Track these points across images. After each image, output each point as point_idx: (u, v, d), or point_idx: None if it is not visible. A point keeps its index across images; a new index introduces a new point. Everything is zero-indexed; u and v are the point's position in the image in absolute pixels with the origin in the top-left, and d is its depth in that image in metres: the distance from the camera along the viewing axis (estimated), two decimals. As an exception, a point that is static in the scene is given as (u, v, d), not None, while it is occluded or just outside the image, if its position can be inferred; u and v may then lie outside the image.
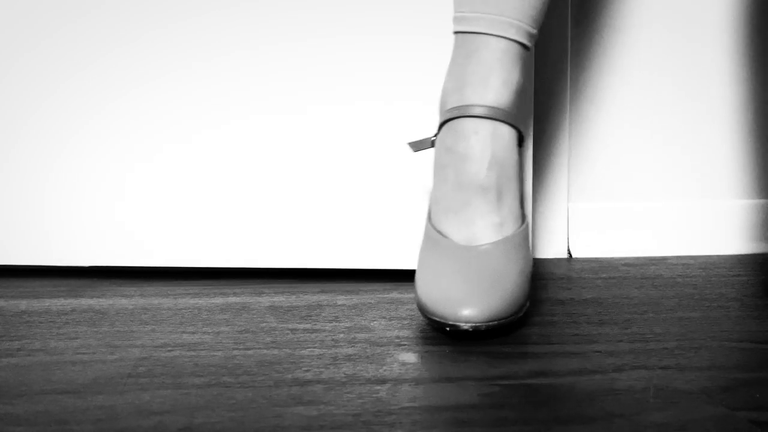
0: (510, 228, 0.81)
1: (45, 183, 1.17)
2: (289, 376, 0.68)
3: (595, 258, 1.20)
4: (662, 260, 1.18)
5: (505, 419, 0.59)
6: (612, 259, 1.20)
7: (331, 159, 1.19)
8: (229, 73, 1.18)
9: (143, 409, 0.61)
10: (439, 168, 0.84)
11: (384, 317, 0.87)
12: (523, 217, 0.83)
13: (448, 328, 0.76)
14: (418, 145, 0.89)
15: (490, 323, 0.75)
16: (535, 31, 0.83)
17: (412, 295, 0.94)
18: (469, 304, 0.75)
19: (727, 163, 1.24)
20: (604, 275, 1.06)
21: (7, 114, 1.16)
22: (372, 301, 0.93)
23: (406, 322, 0.84)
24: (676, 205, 1.23)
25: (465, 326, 0.75)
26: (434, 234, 0.82)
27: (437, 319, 0.77)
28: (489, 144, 0.81)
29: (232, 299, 0.95)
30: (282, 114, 1.18)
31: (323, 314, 0.88)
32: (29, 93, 1.16)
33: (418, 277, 0.82)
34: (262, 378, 0.68)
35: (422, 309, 0.79)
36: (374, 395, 0.64)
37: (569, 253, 1.22)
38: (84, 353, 0.75)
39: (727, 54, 1.23)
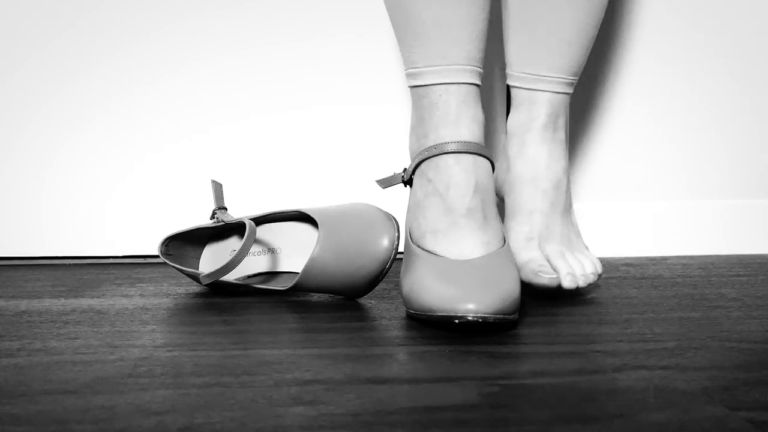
0: (495, 246, 0.85)
1: (43, 180, 1.17)
2: (289, 376, 0.68)
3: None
4: (662, 260, 1.18)
5: (505, 419, 0.59)
6: (612, 259, 1.20)
7: (338, 155, 1.19)
8: (228, 73, 1.18)
9: (143, 409, 0.61)
10: (421, 198, 0.87)
11: (384, 317, 0.87)
12: (504, 238, 0.87)
13: (456, 321, 0.77)
14: (387, 182, 0.93)
15: (497, 316, 0.77)
16: (482, 71, 0.88)
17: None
18: (473, 299, 0.77)
19: (726, 164, 1.24)
20: (604, 275, 1.06)
21: (12, 113, 1.17)
22: (372, 301, 0.93)
23: (406, 322, 0.84)
24: (676, 205, 1.23)
25: (473, 317, 0.76)
26: (422, 253, 0.85)
27: (444, 314, 0.78)
28: (472, 172, 0.85)
29: (232, 299, 0.95)
30: (285, 112, 1.18)
31: (323, 314, 0.88)
32: (33, 94, 1.16)
33: (411, 286, 0.83)
34: (262, 378, 0.68)
35: (425, 310, 0.80)
36: (374, 395, 0.64)
37: (569, 253, 1.22)
38: (84, 353, 0.75)
39: (727, 54, 1.23)
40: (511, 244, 0.93)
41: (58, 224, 1.17)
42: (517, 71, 0.95)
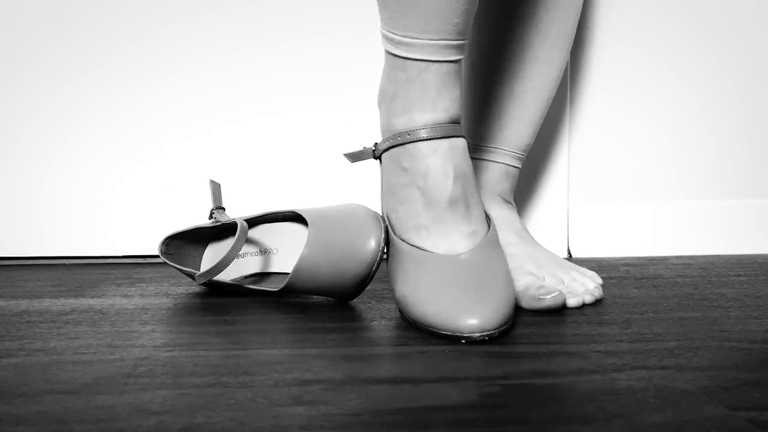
0: (481, 234, 0.83)
1: (43, 180, 1.17)
2: (289, 376, 0.68)
3: (595, 258, 1.20)
4: (662, 260, 1.18)
5: (505, 419, 0.59)
6: (612, 259, 1.20)
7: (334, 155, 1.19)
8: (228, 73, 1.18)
9: (143, 409, 0.61)
10: (398, 188, 0.85)
11: (384, 317, 0.87)
12: (488, 219, 0.86)
13: (463, 341, 0.77)
14: (356, 157, 0.90)
15: (501, 328, 0.78)
16: (467, 41, 0.82)
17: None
18: (474, 313, 0.77)
19: (726, 164, 1.24)
20: (604, 275, 1.06)
21: (12, 113, 1.17)
22: (372, 301, 0.93)
23: (405, 322, 0.84)
24: (676, 205, 1.23)
25: (479, 336, 0.77)
26: (410, 249, 0.83)
27: (449, 333, 0.78)
28: (450, 159, 0.82)
29: (233, 299, 0.95)
30: (285, 112, 1.18)
31: (323, 314, 0.88)
32: (33, 94, 1.16)
33: (405, 293, 0.82)
34: (262, 378, 0.68)
35: (429, 326, 0.80)
36: (374, 395, 0.64)
37: (569, 253, 1.22)
38: (84, 353, 0.75)
39: (728, 55, 1.23)
40: None
41: (58, 224, 1.17)
42: (470, 141, 0.97)
